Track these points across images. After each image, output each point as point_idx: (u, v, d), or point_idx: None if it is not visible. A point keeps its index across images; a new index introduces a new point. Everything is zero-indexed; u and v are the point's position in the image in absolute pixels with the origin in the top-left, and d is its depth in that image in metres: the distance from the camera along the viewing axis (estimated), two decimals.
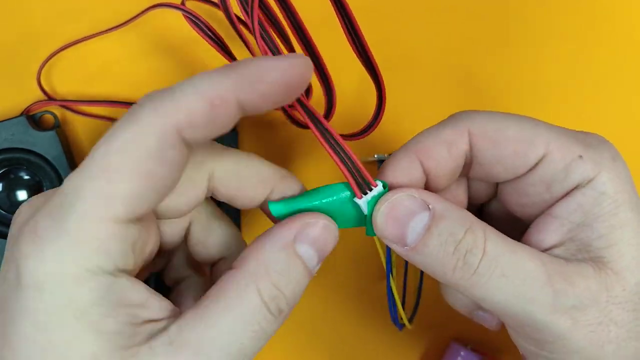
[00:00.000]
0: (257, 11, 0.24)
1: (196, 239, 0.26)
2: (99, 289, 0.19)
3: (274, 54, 0.24)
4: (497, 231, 0.23)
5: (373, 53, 0.29)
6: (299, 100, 0.24)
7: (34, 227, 0.20)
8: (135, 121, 0.20)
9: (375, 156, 0.34)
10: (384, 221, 0.23)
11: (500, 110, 0.25)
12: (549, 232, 0.24)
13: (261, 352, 0.22)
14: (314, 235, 0.23)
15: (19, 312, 0.19)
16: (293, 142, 0.37)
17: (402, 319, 0.30)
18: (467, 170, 0.26)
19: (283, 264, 0.22)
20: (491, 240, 0.22)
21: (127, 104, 0.35)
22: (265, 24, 0.25)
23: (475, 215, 0.25)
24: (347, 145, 0.24)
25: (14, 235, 0.21)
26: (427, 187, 0.25)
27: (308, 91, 0.35)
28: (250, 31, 0.24)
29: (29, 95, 0.35)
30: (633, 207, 0.23)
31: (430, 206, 0.23)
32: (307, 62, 0.21)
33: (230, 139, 0.34)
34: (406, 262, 0.33)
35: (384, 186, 0.24)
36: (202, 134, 0.20)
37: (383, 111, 0.30)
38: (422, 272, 0.33)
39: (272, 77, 0.20)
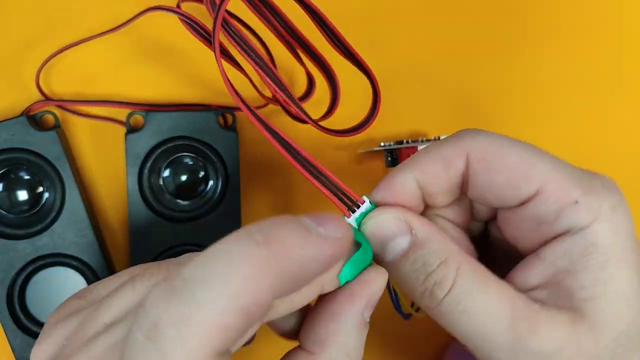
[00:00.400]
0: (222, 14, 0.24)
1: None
2: None
3: (242, 47, 0.25)
4: (478, 266, 0.23)
5: (371, 57, 0.29)
6: (271, 131, 0.25)
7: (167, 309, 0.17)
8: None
9: (382, 144, 0.35)
10: (370, 230, 0.24)
11: (496, 116, 0.25)
12: (533, 273, 0.23)
13: (259, 344, 0.21)
14: (375, 300, 0.22)
15: None
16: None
17: (407, 307, 0.29)
18: (465, 190, 0.25)
19: (359, 340, 0.22)
20: (462, 277, 0.23)
21: (125, 103, 0.35)
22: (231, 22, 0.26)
23: (481, 231, 0.25)
24: (326, 168, 0.24)
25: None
26: (426, 203, 0.25)
27: (310, 86, 0.35)
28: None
29: (29, 95, 0.35)
30: (625, 261, 0.22)
31: (412, 231, 0.23)
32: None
33: (230, 140, 0.34)
34: None
35: (370, 203, 0.25)
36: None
37: (379, 104, 0.31)
38: None
39: (313, 269, 0.19)
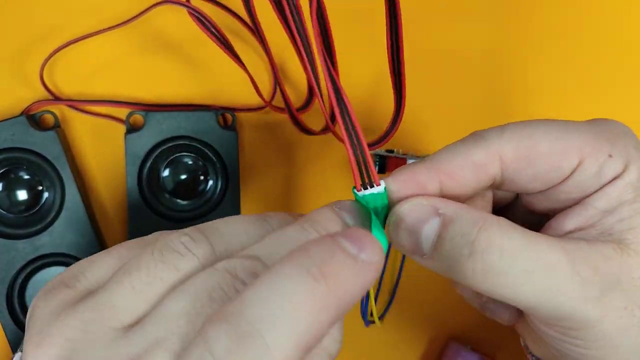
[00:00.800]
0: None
1: None
2: None
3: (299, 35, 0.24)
4: (514, 224, 0.23)
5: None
6: (328, 71, 0.23)
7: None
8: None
9: (372, 152, 0.34)
10: (397, 233, 0.23)
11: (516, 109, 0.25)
12: (572, 216, 0.24)
13: None
14: None
15: None
16: (293, 144, 0.37)
17: (371, 314, 0.30)
18: (495, 187, 0.25)
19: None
20: (508, 236, 0.22)
21: (128, 104, 0.35)
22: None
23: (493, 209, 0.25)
24: (364, 136, 0.23)
25: None
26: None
27: (311, 96, 0.35)
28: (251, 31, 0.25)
29: (29, 95, 0.35)
30: None
31: (440, 211, 0.23)
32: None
33: (230, 140, 0.34)
34: (385, 259, 0.33)
35: (384, 188, 0.24)
36: None
37: (401, 119, 0.30)
38: (400, 268, 0.33)
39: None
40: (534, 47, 0.38)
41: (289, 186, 0.37)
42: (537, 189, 0.25)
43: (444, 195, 0.24)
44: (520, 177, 0.24)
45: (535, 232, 0.23)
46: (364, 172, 0.24)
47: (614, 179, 0.23)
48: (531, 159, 0.23)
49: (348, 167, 0.37)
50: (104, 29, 0.34)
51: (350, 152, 0.23)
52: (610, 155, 0.23)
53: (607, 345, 0.23)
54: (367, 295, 0.28)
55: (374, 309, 0.29)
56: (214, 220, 0.22)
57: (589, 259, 0.22)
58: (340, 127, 0.23)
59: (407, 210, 0.23)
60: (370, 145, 0.31)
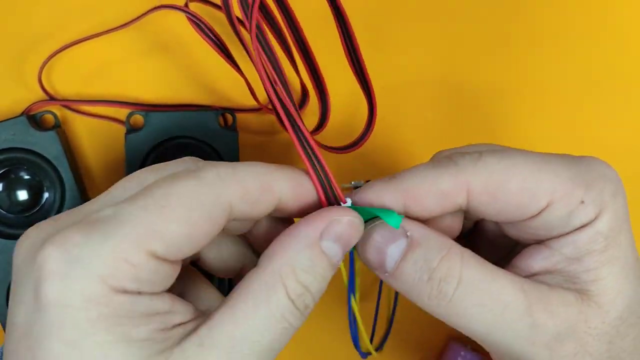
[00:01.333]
0: (256, 13, 0.24)
1: (211, 259, 0.27)
2: (127, 303, 0.20)
3: (267, 56, 0.25)
4: (478, 257, 0.23)
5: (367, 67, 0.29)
6: (279, 98, 0.24)
7: (63, 242, 0.20)
8: (198, 179, 0.21)
9: (352, 183, 0.32)
10: (364, 248, 0.24)
11: (494, 116, 0.25)
12: (538, 259, 0.24)
13: None
14: (339, 232, 0.23)
15: (46, 333, 0.19)
16: (293, 146, 0.37)
17: (366, 345, 0.28)
18: (463, 209, 0.25)
19: (309, 262, 0.22)
20: (468, 268, 0.22)
21: (128, 104, 0.35)
22: (263, 26, 0.25)
23: (469, 227, 0.25)
24: (322, 155, 0.24)
25: (28, 255, 0.21)
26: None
27: (305, 97, 0.35)
28: (249, 32, 0.25)
29: (29, 95, 0.35)
30: (624, 243, 0.23)
31: (408, 233, 0.23)
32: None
33: (230, 140, 0.34)
34: (380, 282, 0.33)
35: (351, 205, 0.24)
36: (246, 212, 0.22)
37: (374, 125, 0.30)
38: (396, 294, 0.32)
39: (310, 185, 0.24)
40: (530, 46, 0.38)
41: None
42: (502, 221, 0.24)
43: (407, 216, 0.24)
44: (486, 209, 0.24)
45: (497, 269, 0.23)
46: (329, 191, 0.24)
47: (584, 226, 0.23)
48: (499, 196, 0.23)
49: (349, 163, 0.37)
50: (103, 32, 0.34)
51: (313, 173, 0.24)
52: (582, 202, 0.23)
53: None
54: (356, 326, 0.27)
55: (365, 337, 0.28)
56: None
57: (547, 303, 0.22)
58: (299, 151, 0.24)
59: (376, 227, 0.24)
60: (347, 148, 0.31)
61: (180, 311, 0.21)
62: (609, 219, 0.23)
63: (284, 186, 0.23)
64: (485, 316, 0.22)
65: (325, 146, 0.31)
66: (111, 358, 0.19)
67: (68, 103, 0.35)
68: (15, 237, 0.34)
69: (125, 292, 0.20)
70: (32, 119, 0.34)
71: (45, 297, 0.19)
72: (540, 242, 0.24)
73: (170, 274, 0.22)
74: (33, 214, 0.34)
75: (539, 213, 0.23)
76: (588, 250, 0.23)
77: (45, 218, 0.33)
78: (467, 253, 0.23)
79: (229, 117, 0.35)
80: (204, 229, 0.21)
